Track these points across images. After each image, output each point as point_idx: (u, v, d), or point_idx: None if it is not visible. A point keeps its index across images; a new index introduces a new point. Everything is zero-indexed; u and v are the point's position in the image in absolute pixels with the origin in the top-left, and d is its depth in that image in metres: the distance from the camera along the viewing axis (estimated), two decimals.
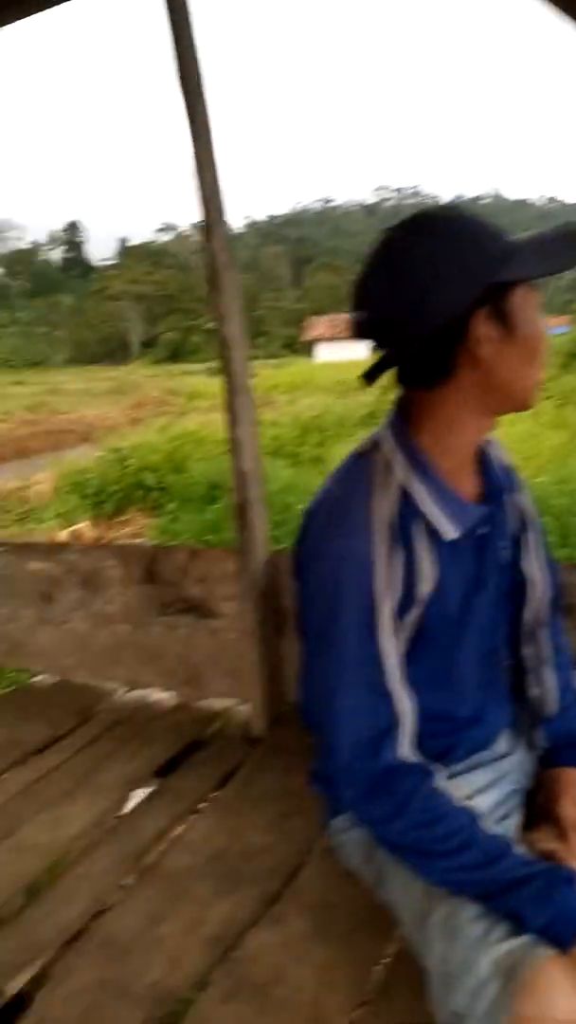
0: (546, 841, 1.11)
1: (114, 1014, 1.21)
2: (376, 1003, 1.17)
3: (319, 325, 43.51)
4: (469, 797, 1.11)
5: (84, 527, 7.21)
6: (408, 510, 1.08)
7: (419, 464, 1.10)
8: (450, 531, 1.10)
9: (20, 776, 1.98)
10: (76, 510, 7.72)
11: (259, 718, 1.99)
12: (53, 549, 2.47)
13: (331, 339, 39.14)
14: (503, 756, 1.26)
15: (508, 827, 1.13)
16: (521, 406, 1.11)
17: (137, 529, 7.15)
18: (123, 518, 7.63)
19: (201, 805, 1.74)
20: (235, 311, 1.82)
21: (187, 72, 1.69)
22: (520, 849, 1.02)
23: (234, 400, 1.85)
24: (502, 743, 1.27)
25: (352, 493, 1.10)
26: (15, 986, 1.30)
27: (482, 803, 1.14)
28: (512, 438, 7.71)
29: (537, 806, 1.24)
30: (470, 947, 0.93)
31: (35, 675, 2.62)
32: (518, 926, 0.94)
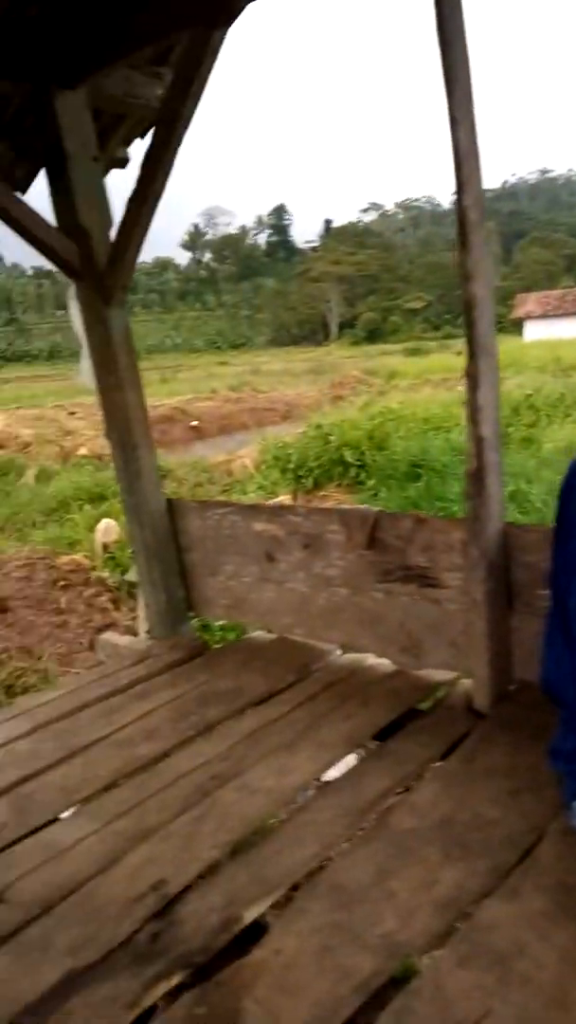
0: None
1: (348, 958, 1.23)
2: None
3: (529, 302, 41.44)
4: None
5: (283, 500, 7.42)
6: None
7: None
8: None
9: (243, 724, 2.08)
10: (277, 484, 7.95)
11: (483, 692, 1.94)
12: (277, 511, 2.54)
13: (542, 316, 37.16)
14: None
15: None
16: None
17: (336, 504, 7.25)
18: (322, 493, 7.75)
19: (425, 772, 1.73)
20: (482, 271, 1.76)
21: (449, 24, 1.64)
22: None
23: (477, 363, 1.79)
24: None
25: None
26: (251, 915, 1.36)
27: None
28: None
29: None
30: None
31: (255, 630, 2.74)
32: None
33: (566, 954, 1.18)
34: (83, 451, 11.26)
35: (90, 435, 12.20)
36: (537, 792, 1.56)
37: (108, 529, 5.54)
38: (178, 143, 2.21)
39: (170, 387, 22.07)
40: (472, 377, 1.81)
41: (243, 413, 16.79)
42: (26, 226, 2.31)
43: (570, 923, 1.23)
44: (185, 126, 2.17)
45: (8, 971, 1.30)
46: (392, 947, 1.24)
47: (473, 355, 1.79)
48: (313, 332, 62.47)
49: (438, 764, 1.76)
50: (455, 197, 1.76)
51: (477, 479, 1.86)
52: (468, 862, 1.40)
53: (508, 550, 1.92)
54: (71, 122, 2.33)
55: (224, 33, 2.04)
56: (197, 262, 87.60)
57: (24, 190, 2.58)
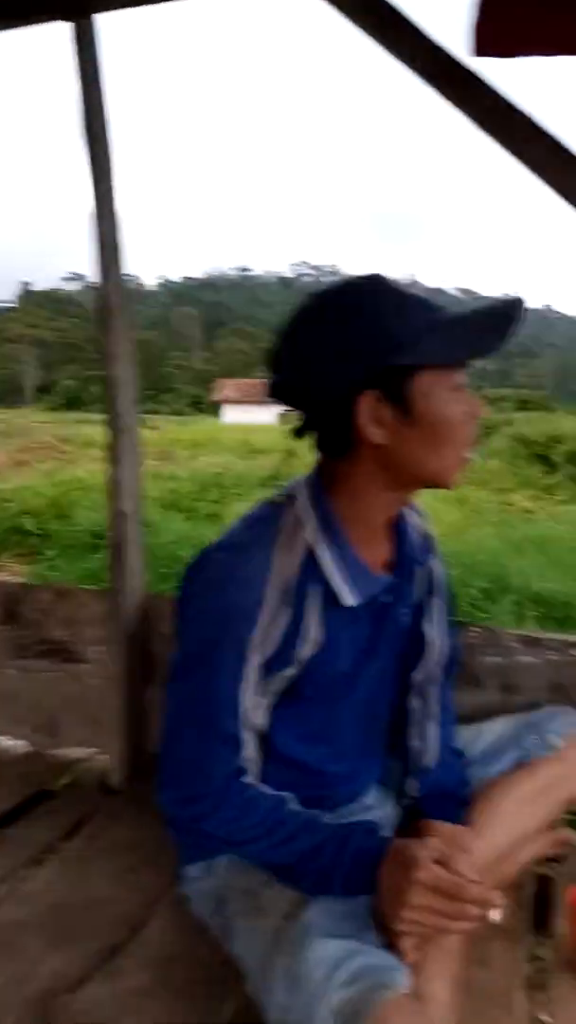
0: None
1: None
2: None
3: (227, 387, 44.05)
4: None
5: None
6: (310, 570, 1.07)
7: (330, 527, 1.09)
8: (349, 599, 1.10)
9: None
10: None
11: (118, 768, 1.92)
12: None
13: (238, 402, 39.65)
14: (370, 808, 1.27)
15: None
16: (436, 485, 1.09)
17: (10, 576, 6.89)
18: None
19: (46, 856, 1.65)
20: (123, 352, 1.84)
21: (92, 115, 1.73)
22: (325, 819, 1.07)
23: (117, 440, 1.84)
24: (370, 796, 1.29)
25: (257, 541, 1.08)
26: None
27: None
28: None
29: None
30: (311, 995, 0.91)
31: None
32: (328, 893, 1.00)
33: None
34: None
35: None
36: (158, 866, 1.56)
37: None
38: None
39: None
40: (112, 453, 1.85)
41: None
42: None
43: (166, 994, 1.24)
44: None
45: None
46: None
47: (114, 431, 1.85)
48: (8, 393, 59.85)
49: (62, 845, 1.69)
50: (99, 283, 1.83)
51: (117, 552, 1.89)
52: (73, 948, 1.35)
53: (150, 621, 1.96)
54: None
55: None
56: None
57: None
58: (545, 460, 11.70)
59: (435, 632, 1.27)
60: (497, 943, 1.24)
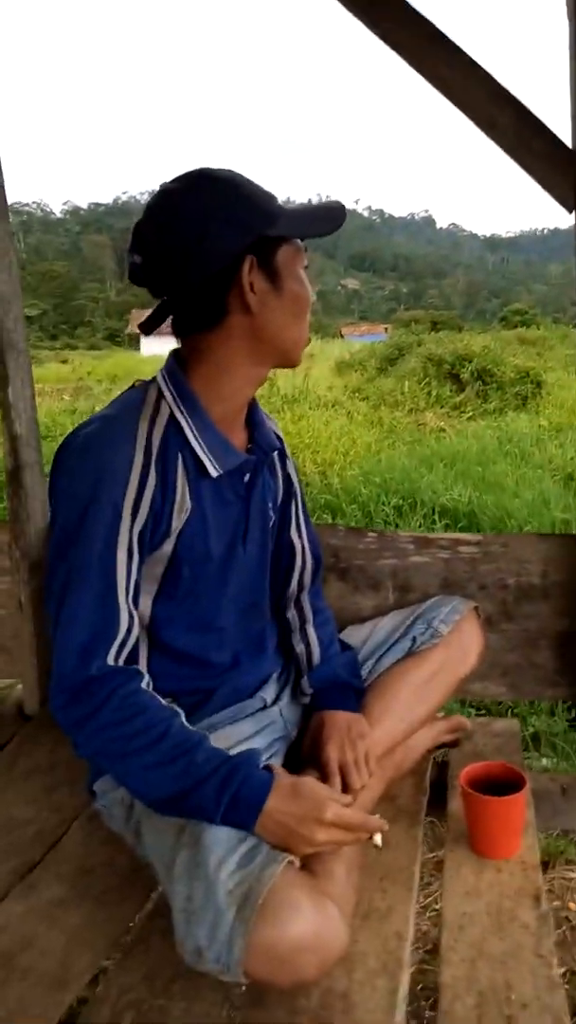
0: None
1: None
2: (128, 956, 1.15)
3: (144, 317, 42.62)
4: (231, 747, 1.14)
5: None
6: (174, 437, 1.13)
7: (189, 401, 1.14)
8: (212, 468, 1.14)
9: None
10: None
11: (32, 695, 1.91)
12: None
13: (157, 333, 38.41)
14: (268, 706, 1.30)
15: None
16: (287, 361, 1.19)
17: None
18: None
19: None
20: (5, 266, 1.73)
21: None
22: (211, 743, 1.05)
23: (4, 359, 1.76)
24: (268, 692, 1.31)
25: (122, 413, 1.13)
26: None
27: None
28: (328, 435, 8.06)
29: (303, 751, 1.29)
30: (209, 881, 0.95)
31: None
32: (207, 821, 0.99)
33: (74, 935, 1.20)
34: None
35: None
36: (73, 785, 1.57)
37: None
38: None
39: None
40: (1, 373, 1.77)
41: None
42: None
43: (83, 903, 1.26)
44: None
45: None
46: None
47: (1, 351, 1.76)
48: None
49: None
50: None
51: (14, 478, 1.83)
52: None
53: None
54: None
55: None
56: None
57: None
58: (455, 379, 11.87)
59: (297, 538, 1.37)
60: (398, 825, 1.30)
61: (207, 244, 1.06)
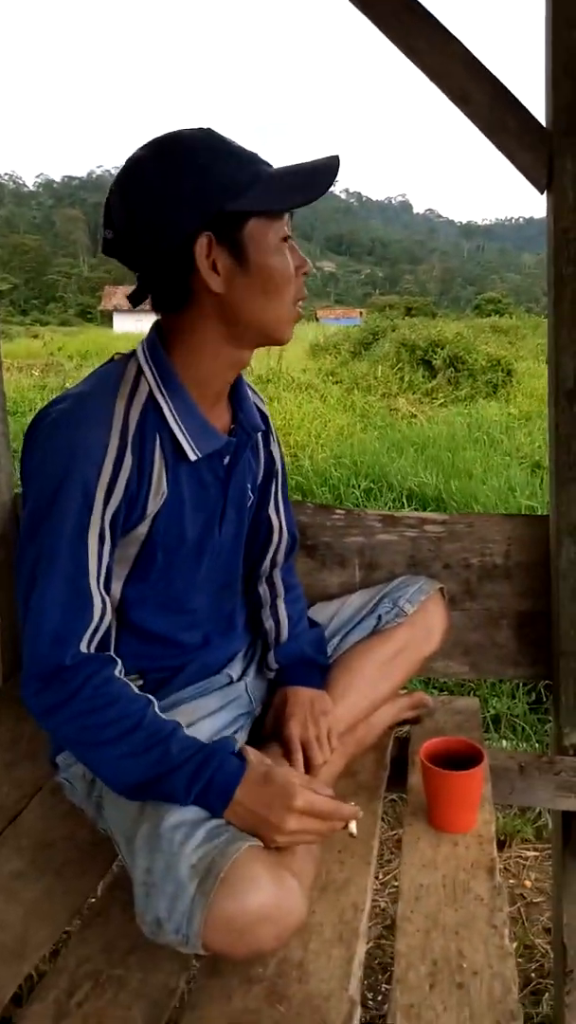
0: (273, 760, 1.15)
1: None
2: (87, 928, 1.15)
3: (118, 294, 42.12)
4: (195, 721, 1.14)
5: None
6: (152, 418, 1.08)
7: (170, 379, 1.09)
8: (191, 452, 1.10)
9: None
10: None
11: None
12: None
13: (129, 310, 38.02)
14: (234, 681, 1.30)
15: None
16: (272, 340, 1.12)
17: None
18: None
19: None
20: None
21: None
22: (184, 732, 1.04)
23: None
24: (234, 668, 1.31)
25: (97, 390, 1.08)
26: None
27: (210, 726, 1.17)
28: (301, 417, 8.09)
29: (265, 727, 1.29)
30: (171, 855, 0.95)
31: None
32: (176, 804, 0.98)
33: (33, 908, 1.19)
34: None
35: None
36: (35, 759, 1.56)
37: None
38: None
39: None
40: None
41: None
42: None
43: (42, 875, 1.25)
44: None
45: None
46: None
47: None
48: None
49: None
50: None
51: None
52: None
53: (19, 520, 1.90)
54: None
55: None
56: None
57: None
58: (428, 365, 11.96)
59: (279, 518, 1.35)
60: (359, 799, 1.31)
61: (158, 221, 1.01)
